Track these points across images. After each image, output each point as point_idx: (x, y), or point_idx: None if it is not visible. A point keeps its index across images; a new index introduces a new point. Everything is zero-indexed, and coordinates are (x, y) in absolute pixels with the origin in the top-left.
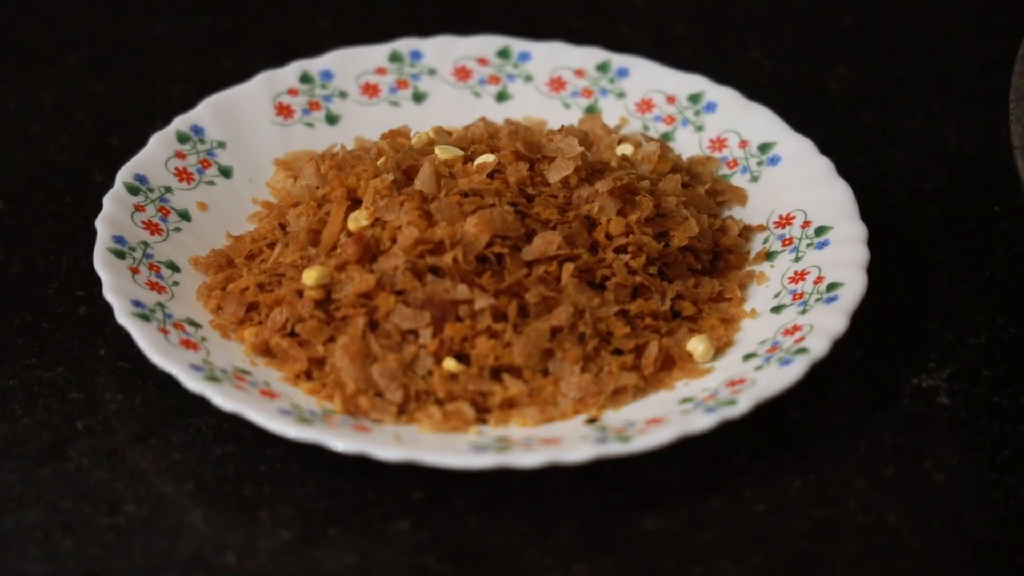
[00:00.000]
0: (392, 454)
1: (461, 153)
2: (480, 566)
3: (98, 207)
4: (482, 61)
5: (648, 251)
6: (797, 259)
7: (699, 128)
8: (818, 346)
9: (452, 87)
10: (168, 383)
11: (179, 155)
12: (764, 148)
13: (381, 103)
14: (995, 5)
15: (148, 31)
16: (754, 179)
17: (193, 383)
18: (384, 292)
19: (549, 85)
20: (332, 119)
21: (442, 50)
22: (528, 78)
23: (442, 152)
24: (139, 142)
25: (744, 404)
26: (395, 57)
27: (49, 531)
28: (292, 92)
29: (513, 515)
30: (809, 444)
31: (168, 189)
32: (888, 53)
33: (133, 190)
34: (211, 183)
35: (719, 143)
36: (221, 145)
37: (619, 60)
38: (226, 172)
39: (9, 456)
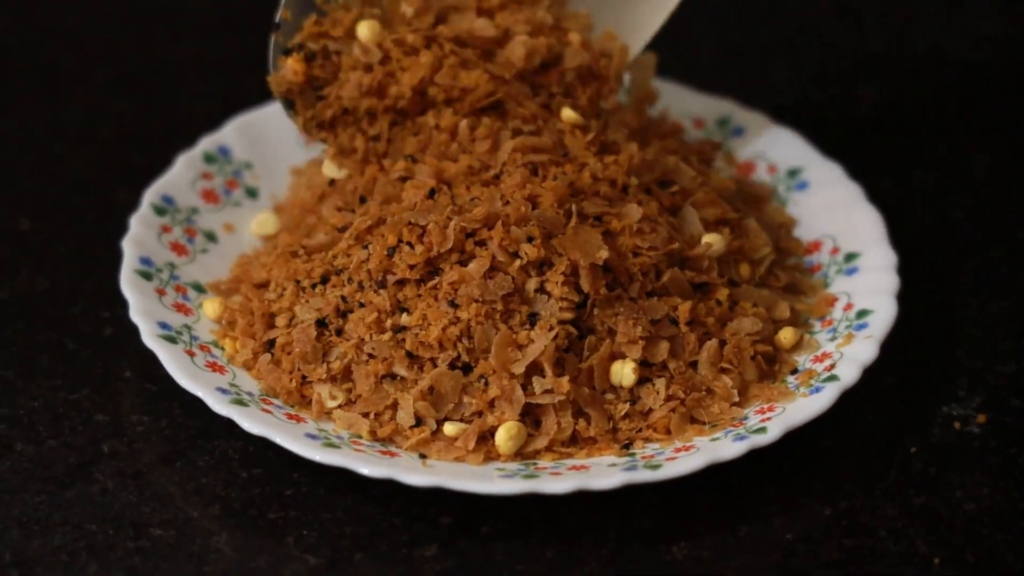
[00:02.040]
0: (419, 480)
1: None
2: None
3: (122, 227)
4: None
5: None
6: (826, 285)
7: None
8: (848, 374)
9: None
10: (194, 406)
11: (206, 176)
12: (793, 173)
13: None
14: (1021, 31)
15: (173, 50)
16: (782, 204)
17: (219, 406)
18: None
19: None
20: None
21: None
22: None
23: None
24: (163, 162)
25: (774, 431)
26: None
27: (74, 554)
28: None
29: (540, 542)
30: (839, 472)
31: (195, 210)
32: (914, 78)
33: (160, 211)
34: (237, 204)
35: (748, 168)
36: (248, 166)
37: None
38: (252, 193)
39: (34, 478)
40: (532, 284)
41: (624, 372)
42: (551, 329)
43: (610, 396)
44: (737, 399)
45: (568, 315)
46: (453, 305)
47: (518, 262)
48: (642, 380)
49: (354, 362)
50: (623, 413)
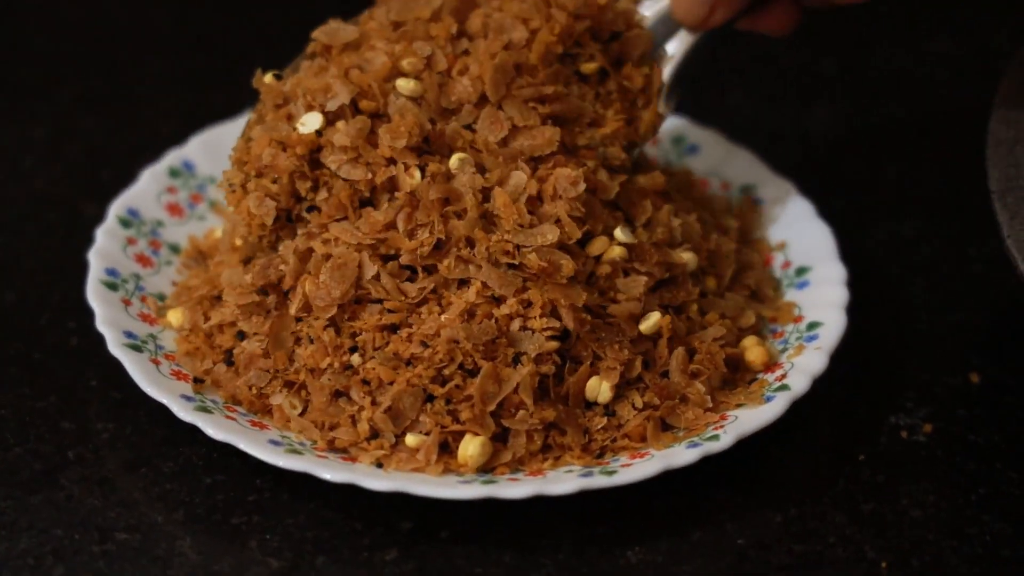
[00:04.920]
0: (380, 484)
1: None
2: None
3: (89, 240)
4: None
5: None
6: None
7: None
8: (799, 384)
9: None
10: (159, 413)
11: (170, 190)
12: (746, 190)
13: None
14: (972, 53)
15: (139, 67)
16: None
17: (184, 413)
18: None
19: None
20: None
21: None
22: None
23: None
24: (129, 176)
25: (726, 439)
26: None
27: (40, 558)
28: None
29: (498, 546)
30: (789, 480)
31: (160, 223)
32: (868, 98)
33: (125, 223)
34: (201, 218)
35: (702, 184)
36: (212, 180)
37: None
38: (215, 207)
39: (1, 484)
40: (515, 325)
41: (601, 389)
42: (534, 362)
43: (587, 412)
44: (711, 405)
45: (553, 344)
46: (425, 345)
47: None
48: (617, 395)
49: (308, 380)
50: (600, 426)
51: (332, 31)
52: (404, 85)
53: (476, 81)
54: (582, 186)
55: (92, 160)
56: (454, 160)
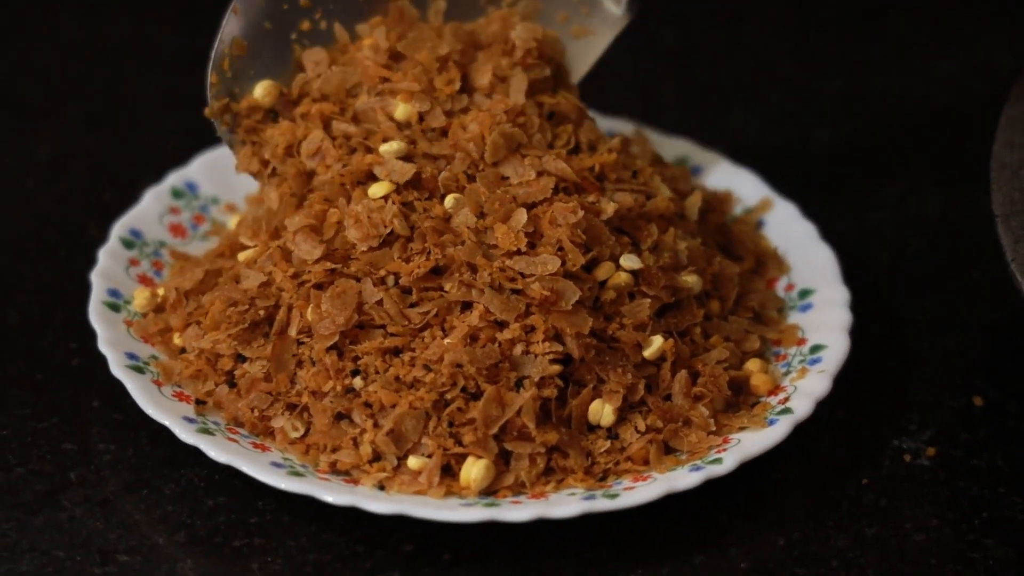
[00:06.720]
0: (382, 507)
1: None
2: None
3: (92, 260)
4: None
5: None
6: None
7: None
8: (802, 407)
9: None
10: (160, 435)
11: (173, 210)
12: (749, 212)
13: None
14: (976, 75)
15: (142, 87)
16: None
17: (186, 435)
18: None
19: None
20: None
21: None
22: None
23: None
24: (132, 197)
25: (729, 462)
26: None
27: None
28: None
29: (500, 569)
30: (792, 503)
31: (162, 244)
32: (871, 120)
33: (128, 244)
34: (204, 238)
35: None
36: (215, 201)
37: (606, 123)
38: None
39: (2, 505)
40: (518, 349)
41: (604, 412)
42: (537, 386)
43: (590, 435)
44: (714, 428)
45: (556, 368)
46: (428, 368)
47: (506, 333)
48: (620, 418)
49: (310, 402)
50: (603, 449)
51: (332, 83)
52: (388, 149)
53: (477, 139)
54: (580, 212)
55: (95, 180)
56: (449, 200)
